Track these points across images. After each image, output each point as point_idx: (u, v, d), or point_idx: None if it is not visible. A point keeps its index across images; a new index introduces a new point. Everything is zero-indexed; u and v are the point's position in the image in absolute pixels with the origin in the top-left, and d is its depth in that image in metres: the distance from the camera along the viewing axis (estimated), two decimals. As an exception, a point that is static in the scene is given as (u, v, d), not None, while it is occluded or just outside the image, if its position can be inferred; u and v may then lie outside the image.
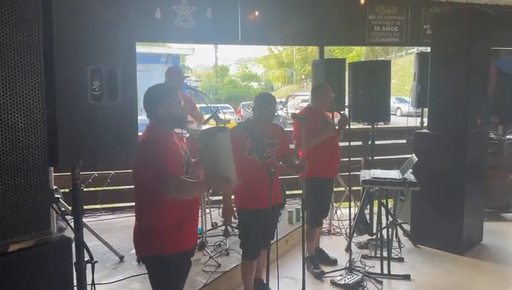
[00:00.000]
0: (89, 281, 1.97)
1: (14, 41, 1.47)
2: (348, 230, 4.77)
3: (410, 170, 4.11)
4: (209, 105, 4.34)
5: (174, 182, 2.21)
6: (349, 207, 4.43)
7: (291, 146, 3.83)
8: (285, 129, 3.76)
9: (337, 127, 4.16)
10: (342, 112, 4.35)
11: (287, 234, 4.59)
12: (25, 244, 1.55)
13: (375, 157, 5.12)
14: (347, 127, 4.19)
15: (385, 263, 3.96)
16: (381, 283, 3.79)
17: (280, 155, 3.32)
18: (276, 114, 3.41)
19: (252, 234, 3.22)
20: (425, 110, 5.39)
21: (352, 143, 4.29)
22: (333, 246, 4.68)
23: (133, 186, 2.40)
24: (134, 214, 2.47)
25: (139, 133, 2.18)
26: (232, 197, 3.28)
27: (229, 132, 2.46)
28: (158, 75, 17.72)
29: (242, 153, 3.11)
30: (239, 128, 3.17)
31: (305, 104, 4.35)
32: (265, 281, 3.08)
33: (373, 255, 4.35)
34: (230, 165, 2.38)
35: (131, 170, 2.36)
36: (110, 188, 5.59)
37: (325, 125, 4.02)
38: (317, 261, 4.15)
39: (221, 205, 4.10)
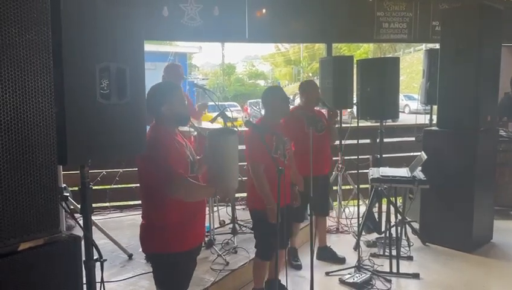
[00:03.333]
0: (98, 279, 1.97)
1: (23, 41, 1.47)
2: (356, 228, 4.75)
3: (420, 168, 4.08)
4: (216, 103, 4.34)
5: (179, 182, 2.21)
6: (358, 205, 4.41)
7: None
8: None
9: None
10: (329, 106, 4.28)
11: (295, 232, 4.58)
12: (35, 243, 1.55)
13: (383, 155, 5.09)
14: (337, 123, 4.14)
15: (394, 261, 3.94)
16: (390, 281, 3.78)
17: (289, 153, 3.25)
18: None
19: (271, 233, 3.03)
20: (434, 107, 5.35)
21: (360, 141, 4.28)
22: (341, 244, 4.66)
23: (141, 184, 2.41)
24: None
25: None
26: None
27: (237, 134, 2.44)
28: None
29: (270, 153, 2.93)
30: (260, 130, 2.95)
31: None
32: (282, 282, 3.11)
33: (382, 253, 4.33)
34: (235, 169, 2.38)
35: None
36: (119, 186, 5.62)
37: (312, 122, 3.94)
38: (297, 253, 4.22)
39: (229, 204, 4.06)
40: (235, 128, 3.79)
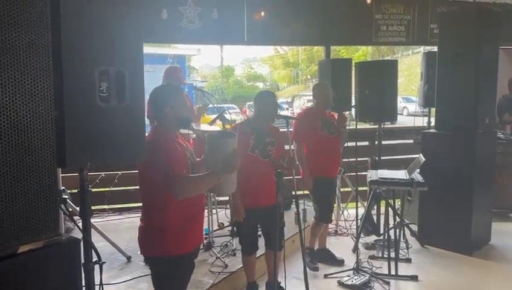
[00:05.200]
0: (97, 281, 1.97)
1: (23, 43, 1.48)
2: (355, 231, 4.75)
3: (418, 170, 4.08)
4: (215, 105, 4.34)
5: (181, 183, 2.21)
6: (356, 207, 4.41)
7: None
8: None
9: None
10: (338, 111, 4.29)
11: (294, 234, 4.57)
12: (35, 245, 1.56)
13: (382, 158, 5.10)
14: (347, 126, 4.19)
15: (392, 263, 3.94)
16: (388, 283, 3.78)
17: (278, 155, 3.33)
18: (277, 112, 3.41)
19: (245, 231, 3.35)
20: (433, 109, 5.36)
21: (358, 143, 4.28)
22: (340, 246, 4.66)
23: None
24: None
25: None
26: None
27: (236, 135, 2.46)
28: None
29: (245, 150, 3.12)
30: (242, 126, 3.21)
31: (310, 104, 4.36)
32: (281, 284, 3.18)
33: (380, 255, 4.33)
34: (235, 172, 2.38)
35: (137, 171, 2.37)
36: (117, 188, 5.62)
37: (326, 125, 4.01)
38: (316, 256, 4.23)
39: (228, 206, 4.11)
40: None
